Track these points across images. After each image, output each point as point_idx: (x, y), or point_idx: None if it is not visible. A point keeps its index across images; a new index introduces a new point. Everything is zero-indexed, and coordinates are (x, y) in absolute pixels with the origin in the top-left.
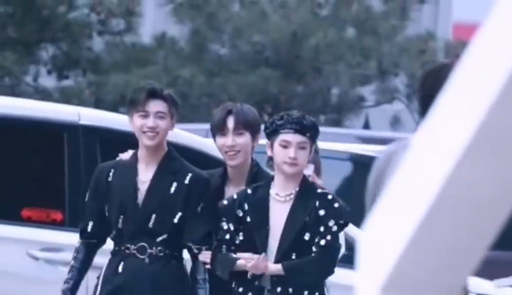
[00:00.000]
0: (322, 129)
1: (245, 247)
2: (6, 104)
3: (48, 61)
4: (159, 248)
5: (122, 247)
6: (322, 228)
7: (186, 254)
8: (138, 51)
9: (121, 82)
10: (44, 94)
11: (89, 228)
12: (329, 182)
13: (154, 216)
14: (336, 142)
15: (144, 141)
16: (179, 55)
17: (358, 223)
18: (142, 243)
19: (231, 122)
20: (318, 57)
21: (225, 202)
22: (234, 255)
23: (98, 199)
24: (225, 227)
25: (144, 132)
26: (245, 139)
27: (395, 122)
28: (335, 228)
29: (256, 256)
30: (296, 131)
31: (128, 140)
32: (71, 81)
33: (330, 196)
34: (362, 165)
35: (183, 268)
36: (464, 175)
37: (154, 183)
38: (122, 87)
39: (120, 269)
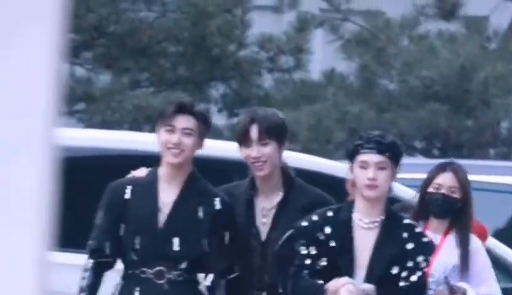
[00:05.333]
0: (492, 163)
1: (328, 273)
2: None
3: (219, 99)
4: (178, 273)
5: (137, 271)
6: (410, 263)
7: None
8: (307, 88)
9: (291, 118)
10: (214, 133)
11: (106, 249)
12: (499, 215)
13: (177, 240)
14: (507, 175)
15: (168, 157)
16: (348, 90)
17: None
18: (160, 267)
19: (254, 132)
20: (487, 90)
21: (304, 223)
22: (321, 282)
23: (113, 218)
24: (304, 251)
25: (168, 148)
26: (270, 148)
27: None
28: (423, 264)
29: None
30: (374, 151)
31: (298, 175)
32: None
33: (418, 230)
34: None
35: (202, 294)
36: None
37: (178, 205)
38: (291, 124)
39: (137, 294)
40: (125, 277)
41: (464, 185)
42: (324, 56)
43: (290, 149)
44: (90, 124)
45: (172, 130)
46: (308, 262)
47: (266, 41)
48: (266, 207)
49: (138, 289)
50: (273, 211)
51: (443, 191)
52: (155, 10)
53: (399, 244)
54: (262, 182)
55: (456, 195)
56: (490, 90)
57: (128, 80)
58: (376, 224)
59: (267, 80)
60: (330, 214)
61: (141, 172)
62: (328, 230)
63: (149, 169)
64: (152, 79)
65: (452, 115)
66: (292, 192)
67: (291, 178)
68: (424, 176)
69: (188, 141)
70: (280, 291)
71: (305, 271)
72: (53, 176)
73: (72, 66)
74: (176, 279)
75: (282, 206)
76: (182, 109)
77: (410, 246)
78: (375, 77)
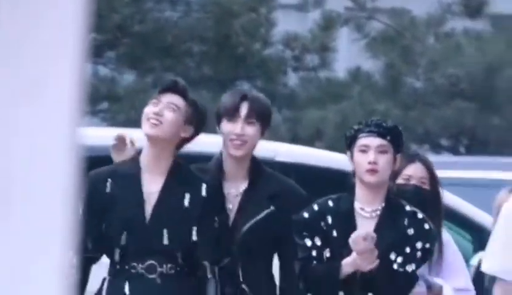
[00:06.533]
0: None
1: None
2: (201, 142)
3: None
4: (170, 266)
5: (126, 267)
6: (408, 249)
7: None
8: (333, 86)
9: (316, 117)
10: None
11: (89, 245)
12: None
13: (166, 231)
14: None
15: (145, 128)
16: (374, 89)
17: None
18: (151, 261)
19: (244, 108)
20: None
21: (306, 214)
22: (336, 264)
23: (95, 213)
24: (309, 243)
25: (148, 119)
26: (255, 129)
27: None
28: (419, 254)
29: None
30: (375, 134)
31: (325, 176)
32: None
33: (420, 216)
34: None
35: (196, 288)
36: None
37: (165, 195)
38: (317, 122)
39: (127, 291)
40: (113, 273)
41: (433, 176)
42: (349, 54)
43: (316, 147)
44: (113, 123)
45: (156, 103)
46: (314, 253)
47: (291, 40)
48: (231, 193)
49: (127, 285)
50: (239, 198)
51: (413, 182)
52: (179, 10)
53: (400, 230)
54: (232, 165)
55: (426, 187)
56: None
57: (152, 80)
58: (378, 212)
59: (292, 79)
60: (330, 203)
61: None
62: (329, 220)
63: (133, 152)
64: None
65: (479, 112)
66: (260, 180)
67: (259, 166)
68: (452, 173)
69: (170, 115)
70: (241, 278)
71: (314, 262)
72: (76, 176)
73: (96, 66)
74: (169, 273)
75: (248, 194)
76: (172, 87)
77: (410, 231)
78: (401, 75)
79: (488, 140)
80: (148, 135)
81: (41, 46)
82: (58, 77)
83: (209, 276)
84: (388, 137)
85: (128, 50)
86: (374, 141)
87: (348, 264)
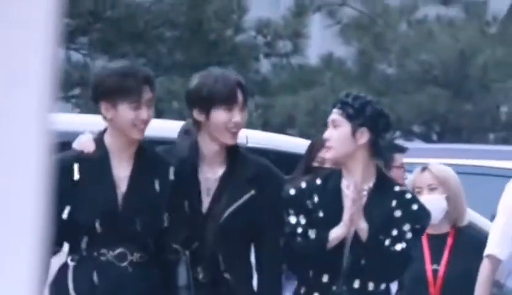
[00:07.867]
0: (492, 147)
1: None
2: (158, 127)
3: None
4: (140, 254)
5: (95, 254)
6: (395, 232)
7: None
8: (305, 73)
9: (289, 103)
10: None
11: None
12: (498, 200)
13: (138, 218)
14: (507, 160)
15: (135, 134)
16: (346, 75)
17: None
18: (122, 249)
19: (240, 96)
20: (486, 75)
21: (292, 192)
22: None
23: (59, 200)
24: (294, 220)
25: (135, 125)
26: (245, 115)
27: None
28: (409, 235)
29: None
30: (335, 108)
31: (296, 162)
32: None
33: (408, 196)
34: None
35: (162, 277)
36: None
37: (135, 180)
38: (289, 109)
39: (95, 279)
40: (79, 260)
41: None
42: (321, 40)
43: (288, 134)
44: (85, 109)
45: (138, 106)
46: (299, 230)
47: (263, 26)
48: (210, 178)
49: (95, 273)
50: (217, 183)
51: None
52: None
53: (387, 213)
54: (212, 151)
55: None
56: (489, 74)
57: None
58: (365, 192)
59: (264, 65)
60: (318, 182)
61: (88, 145)
62: (316, 198)
63: (94, 137)
64: (148, 64)
65: (451, 99)
66: (236, 164)
67: (236, 149)
68: (423, 160)
69: (151, 113)
70: (222, 266)
71: (298, 239)
72: (47, 162)
73: (68, 51)
74: (139, 261)
75: (226, 178)
76: (148, 80)
77: (397, 214)
78: (373, 62)
79: (461, 127)
80: (138, 140)
81: (13, 31)
82: (30, 63)
83: (182, 257)
84: (341, 111)
85: (100, 36)
86: (330, 116)
87: (333, 231)
